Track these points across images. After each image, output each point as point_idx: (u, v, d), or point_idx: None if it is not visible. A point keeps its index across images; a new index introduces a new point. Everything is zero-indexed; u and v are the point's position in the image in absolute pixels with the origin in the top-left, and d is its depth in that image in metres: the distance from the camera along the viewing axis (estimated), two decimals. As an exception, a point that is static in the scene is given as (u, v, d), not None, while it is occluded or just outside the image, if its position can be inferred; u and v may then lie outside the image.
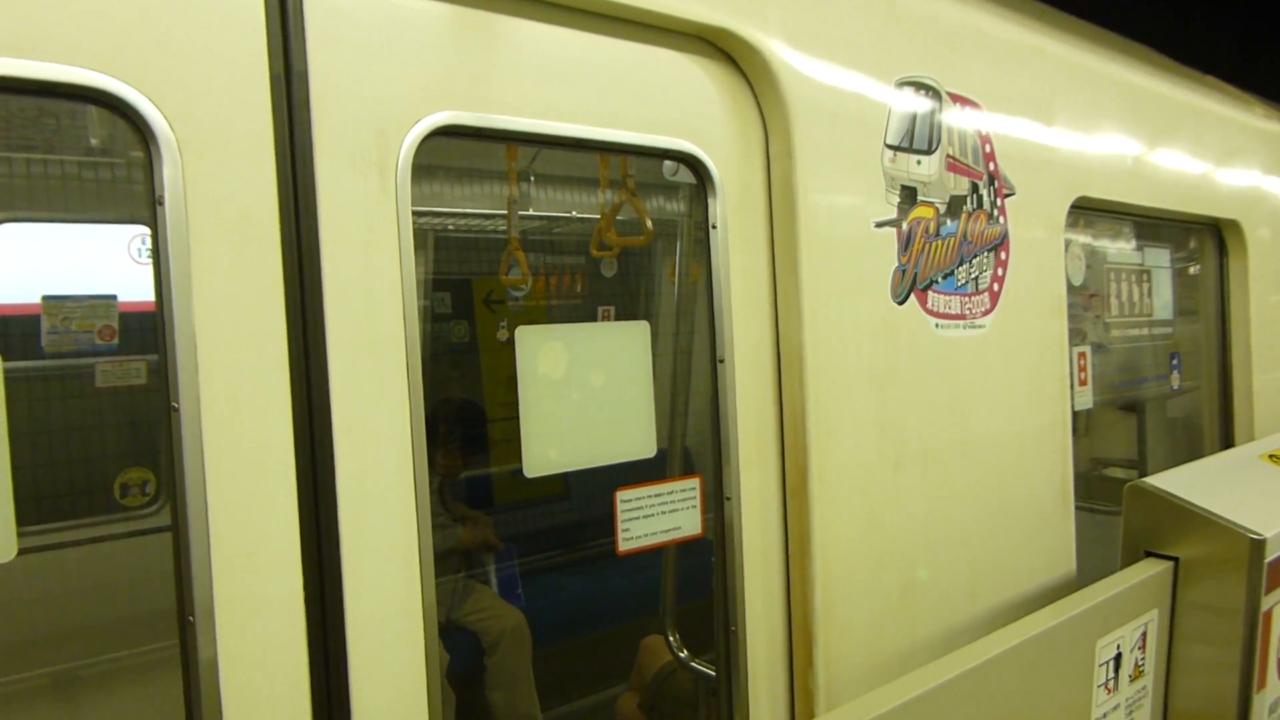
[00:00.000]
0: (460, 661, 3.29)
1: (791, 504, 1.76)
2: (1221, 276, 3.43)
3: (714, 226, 1.69)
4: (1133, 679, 2.09)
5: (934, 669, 1.63)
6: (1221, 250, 3.43)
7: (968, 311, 2.12)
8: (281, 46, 1.19)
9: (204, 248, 1.12)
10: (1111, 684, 2.03)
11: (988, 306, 2.18)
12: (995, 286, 2.20)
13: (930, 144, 2.03)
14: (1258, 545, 2.05)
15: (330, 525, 1.21)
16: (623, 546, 1.58)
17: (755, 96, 1.76)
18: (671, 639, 2.51)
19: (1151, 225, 3.23)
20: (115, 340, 4.03)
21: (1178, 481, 2.27)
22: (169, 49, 1.11)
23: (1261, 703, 2.22)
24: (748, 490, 1.71)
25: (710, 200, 1.69)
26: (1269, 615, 2.17)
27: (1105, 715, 2.01)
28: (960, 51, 2.13)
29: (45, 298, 3.85)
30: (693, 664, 2.46)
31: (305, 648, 1.18)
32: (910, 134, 1.99)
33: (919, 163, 2.00)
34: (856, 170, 1.86)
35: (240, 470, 1.14)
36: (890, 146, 1.94)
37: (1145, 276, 3.24)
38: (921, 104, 2.01)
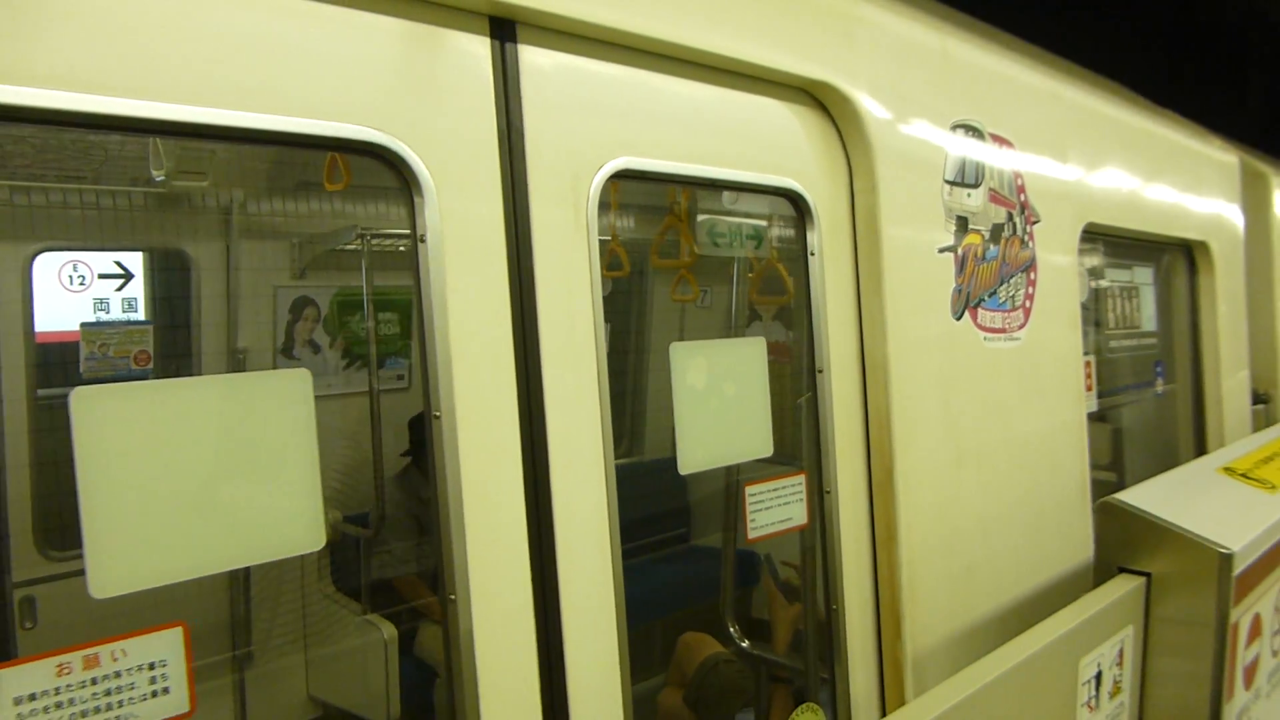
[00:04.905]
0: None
1: (877, 496, 2.00)
2: (1193, 291, 3.80)
3: (812, 253, 1.93)
4: (1112, 695, 2.11)
5: (929, 699, 1.63)
6: (1192, 268, 3.81)
7: (1008, 326, 2.40)
8: (504, 106, 1.39)
9: (455, 276, 1.31)
10: (1093, 702, 2.05)
11: (1022, 321, 2.46)
12: (1027, 303, 2.49)
13: (977, 179, 2.31)
14: (1226, 559, 2.08)
15: (548, 518, 1.40)
16: (751, 535, 1.80)
17: (841, 139, 2.01)
18: (732, 629, 2.73)
19: (1123, 245, 3.58)
20: (150, 365, 4.10)
21: (1146, 497, 2.29)
22: (426, 109, 1.30)
23: (1231, 711, 2.25)
24: (842, 484, 1.95)
25: (809, 231, 1.93)
26: (1236, 626, 2.22)
27: None
28: (997, 96, 2.42)
29: (83, 324, 3.91)
30: (754, 651, 2.68)
31: (533, 619, 1.38)
32: (962, 170, 2.26)
33: (969, 195, 2.28)
34: (923, 203, 2.12)
35: (485, 469, 1.33)
36: (948, 182, 2.20)
37: (1133, 292, 3.59)
38: (970, 144, 2.29)
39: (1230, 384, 3.83)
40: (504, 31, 1.40)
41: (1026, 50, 2.70)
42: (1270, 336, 4.37)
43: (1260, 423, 4.16)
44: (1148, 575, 2.19)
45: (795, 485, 1.90)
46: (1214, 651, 2.12)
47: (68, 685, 1.00)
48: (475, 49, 1.37)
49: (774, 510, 1.85)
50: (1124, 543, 2.23)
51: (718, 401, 1.75)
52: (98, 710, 1.01)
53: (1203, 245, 3.72)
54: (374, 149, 1.25)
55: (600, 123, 1.53)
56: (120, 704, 1.03)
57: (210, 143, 2.32)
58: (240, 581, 4.19)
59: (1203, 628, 2.12)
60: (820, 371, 1.93)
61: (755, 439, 1.83)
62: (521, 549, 1.37)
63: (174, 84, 1.07)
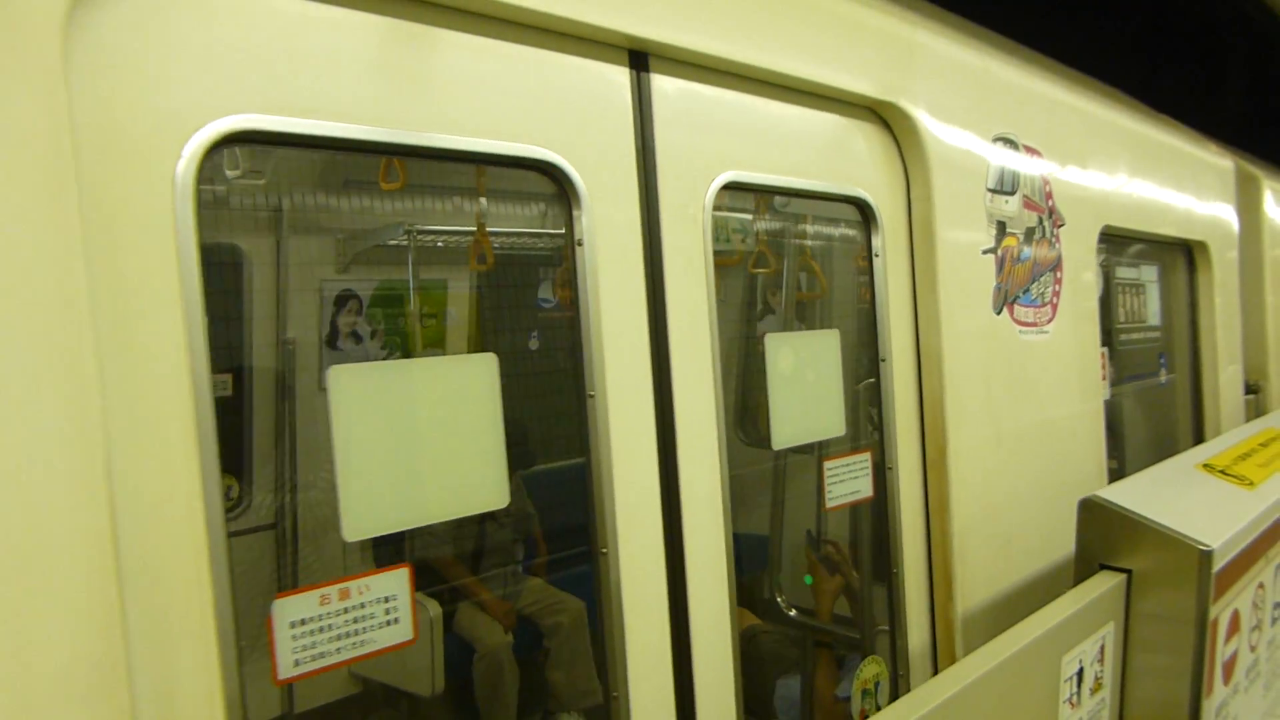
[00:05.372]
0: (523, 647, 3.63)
1: (931, 472, 2.24)
2: (1192, 289, 4.07)
3: (876, 255, 2.16)
4: (1093, 692, 2.12)
5: (915, 698, 1.64)
6: (1191, 267, 4.07)
7: (1038, 320, 2.64)
8: (640, 125, 1.60)
9: (605, 276, 1.53)
10: (1075, 699, 2.05)
11: (1050, 316, 2.70)
12: (1054, 300, 2.73)
13: (1014, 186, 2.54)
14: (1206, 556, 2.10)
15: (674, 483, 1.62)
16: (829, 505, 2.03)
17: (900, 152, 2.23)
18: (779, 599, 2.96)
19: (1126, 245, 3.83)
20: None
21: (1126, 494, 2.30)
22: (582, 130, 1.51)
23: (1210, 707, 2.26)
24: (902, 461, 2.18)
25: (874, 235, 2.15)
26: (1216, 623, 2.22)
27: None
28: (1028, 110, 2.65)
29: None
30: (799, 618, 2.91)
31: (664, 572, 1.60)
32: (1001, 179, 2.49)
33: (1007, 202, 2.51)
34: (970, 209, 2.35)
35: (627, 441, 1.55)
36: (989, 190, 2.44)
37: (1140, 289, 3.85)
38: (1008, 155, 2.52)
39: (1225, 375, 4.11)
40: (639, 62, 1.61)
41: (1051, 66, 2.94)
42: (1260, 331, 4.65)
43: (1251, 413, 4.44)
44: (1129, 572, 2.19)
45: (863, 461, 2.13)
46: (1194, 647, 2.12)
47: (327, 613, 1.21)
48: (618, 78, 1.58)
49: (846, 483, 2.08)
50: (1105, 540, 2.22)
51: (801, 385, 1.98)
52: (348, 635, 1.23)
53: (1202, 245, 3.99)
54: (544, 166, 1.46)
55: (712, 139, 1.75)
56: (364, 630, 1.24)
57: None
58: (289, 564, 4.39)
59: (1183, 624, 2.13)
60: (883, 360, 2.16)
61: (832, 419, 2.05)
62: (655, 509, 1.59)
63: (413, 117, 1.28)
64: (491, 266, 4.09)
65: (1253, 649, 2.67)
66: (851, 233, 3.39)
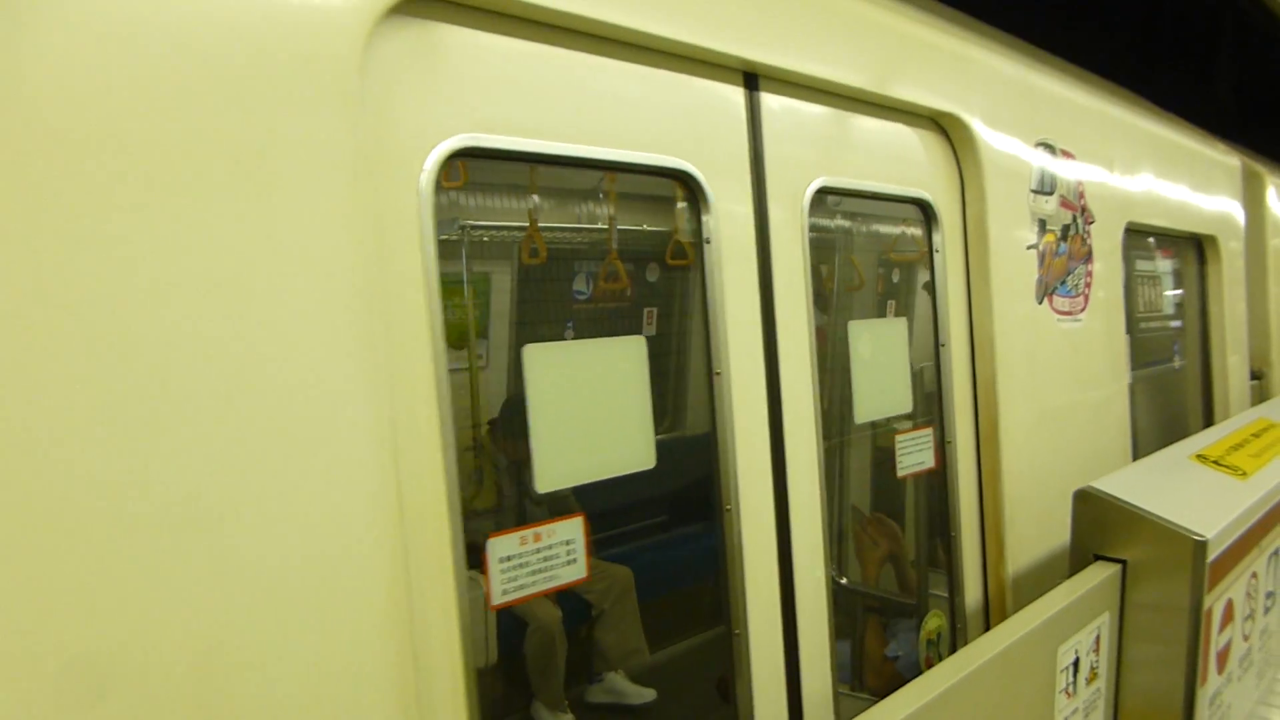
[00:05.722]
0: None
1: (984, 446, 2.48)
2: (1202, 280, 4.33)
3: (937, 251, 2.40)
4: (1089, 681, 2.12)
5: (915, 689, 1.64)
6: (1201, 259, 4.33)
7: (1074, 309, 2.89)
8: (752, 137, 1.84)
9: (728, 268, 1.76)
10: (1071, 689, 2.05)
11: (1083, 305, 2.95)
12: (1086, 290, 2.97)
13: (1053, 187, 2.78)
14: (1200, 546, 2.10)
15: (780, 449, 1.86)
16: (900, 473, 2.28)
17: (956, 158, 2.47)
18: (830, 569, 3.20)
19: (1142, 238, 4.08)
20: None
21: (1120, 485, 2.31)
22: (708, 142, 1.75)
23: (1204, 696, 2.26)
24: (960, 436, 2.42)
25: (935, 233, 2.39)
26: (1210, 612, 2.23)
27: (1066, 719, 2.06)
28: (1064, 116, 2.90)
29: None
30: (852, 586, 3.16)
31: (774, 527, 1.84)
32: (1042, 180, 2.73)
33: (1046, 201, 2.75)
34: (1016, 209, 2.59)
35: (746, 412, 1.78)
36: (1032, 190, 2.68)
37: (1157, 280, 4.10)
38: (1047, 158, 2.76)
39: (1233, 362, 4.37)
40: (751, 83, 1.85)
41: (1080, 74, 3.18)
42: (1264, 320, 4.91)
43: (1256, 398, 4.71)
44: (1123, 562, 2.20)
45: (927, 435, 2.37)
46: (1188, 637, 2.13)
47: (524, 551, 1.45)
48: (735, 96, 1.81)
49: (914, 455, 2.32)
50: (1100, 530, 2.23)
51: (873, 370, 2.22)
52: (539, 571, 1.46)
53: (1212, 239, 4.25)
54: (680, 174, 1.69)
55: (808, 149, 1.98)
56: (550, 567, 1.48)
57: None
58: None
59: (1177, 614, 2.13)
60: (943, 345, 2.40)
61: (901, 397, 2.30)
62: (767, 472, 1.83)
63: (581, 132, 1.51)
64: (542, 260, 4.31)
65: (1246, 638, 2.67)
66: (881, 229, 3.64)
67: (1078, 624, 2.04)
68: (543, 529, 1.47)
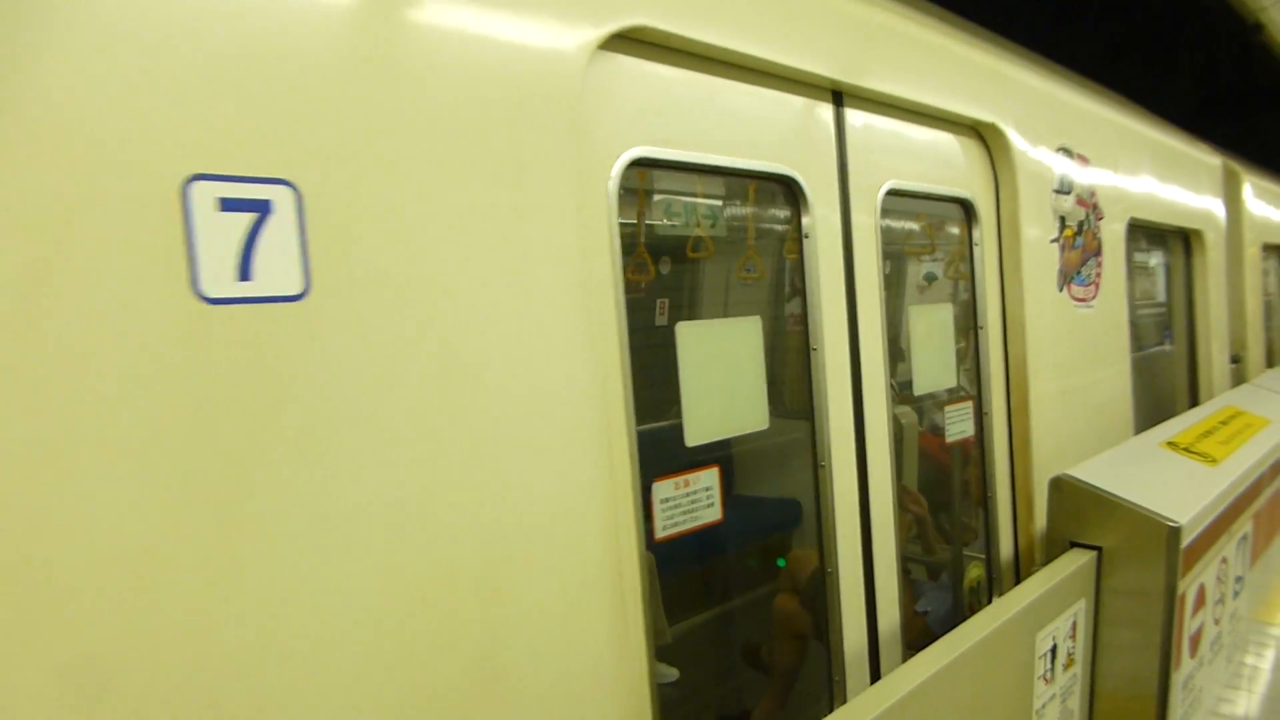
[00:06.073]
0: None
1: (1015, 418, 2.81)
2: (1189, 271, 4.71)
3: (976, 245, 2.72)
4: (1065, 667, 2.15)
5: (897, 678, 1.66)
6: (1188, 252, 4.71)
7: (1086, 297, 3.23)
8: (839, 147, 2.14)
9: (822, 260, 2.06)
10: (1049, 675, 2.08)
11: (1094, 294, 3.29)
12: (1097, 280, 3.31)
13: (1069, 188, 3.12)
14: (1174, 532, 2.14)
15: (860, 416, 2.17)
16: (948, 440, 2.60)
17: (991, 161, 2.79)
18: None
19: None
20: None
21: (1095, 473, 2.34)
22: (806, 151, 2.04)
23: (1178, 680, 2.30)
24: (995, 408, 2.75)
25: (974, 229, 2.71)
26: (1183, 598, 2.27)
27: (1044, 705, 2.08)
28: (1079, 123, 3.23)
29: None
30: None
31: (856, 481, 2.15)
32: (1062, 181, 3.06)
33: (1065, 200, 3.08)
34: (1041, 207, 2.92)
35: (833, 384, 2.09)
36: (1054, 191, 3.01)
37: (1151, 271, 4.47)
38: (1067, 162, 3.09)
39: (1215, 345, 4.76)
40: (838, 99, 2.14)
41: (1090, 86, 3.51)
42: (1241, 307, 5.32)
43: (1235, 380, 5.11)
44: (1099, 549, 2.23)
45: (968, 408, 2.69)
46: (1162, 622, 2.16)
47: (679, 495, 1.74)
48: (826, 112, 2.11)
49: (958, 424, 2.64)
50: (1075, 517, 2.26)
51: (926, 350, 2.54)
52: (686, 511, 1.76)
53: (1198, 233, 4.63)
54: (785, 179, 1.99)
55: (879, 156, 2.29)
56: (694, 508, 1.77)
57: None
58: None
59: (1152, 599, 2.17)
60: (981, 328, 2.72)
61: (947, 374, 2.62)
62: (851, 435, 2.14)
63: (715, 144, 1.81)
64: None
65: (1216, 622, 2.72)
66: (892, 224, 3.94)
67: (1055, 610, 2.05)
68: (690, 476, 1.76)
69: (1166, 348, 4.71)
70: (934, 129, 2.55)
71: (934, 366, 2.57)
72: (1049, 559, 2.21)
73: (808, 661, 2.99)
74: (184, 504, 0.96)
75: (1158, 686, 2.18)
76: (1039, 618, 2.00)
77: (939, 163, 2.57)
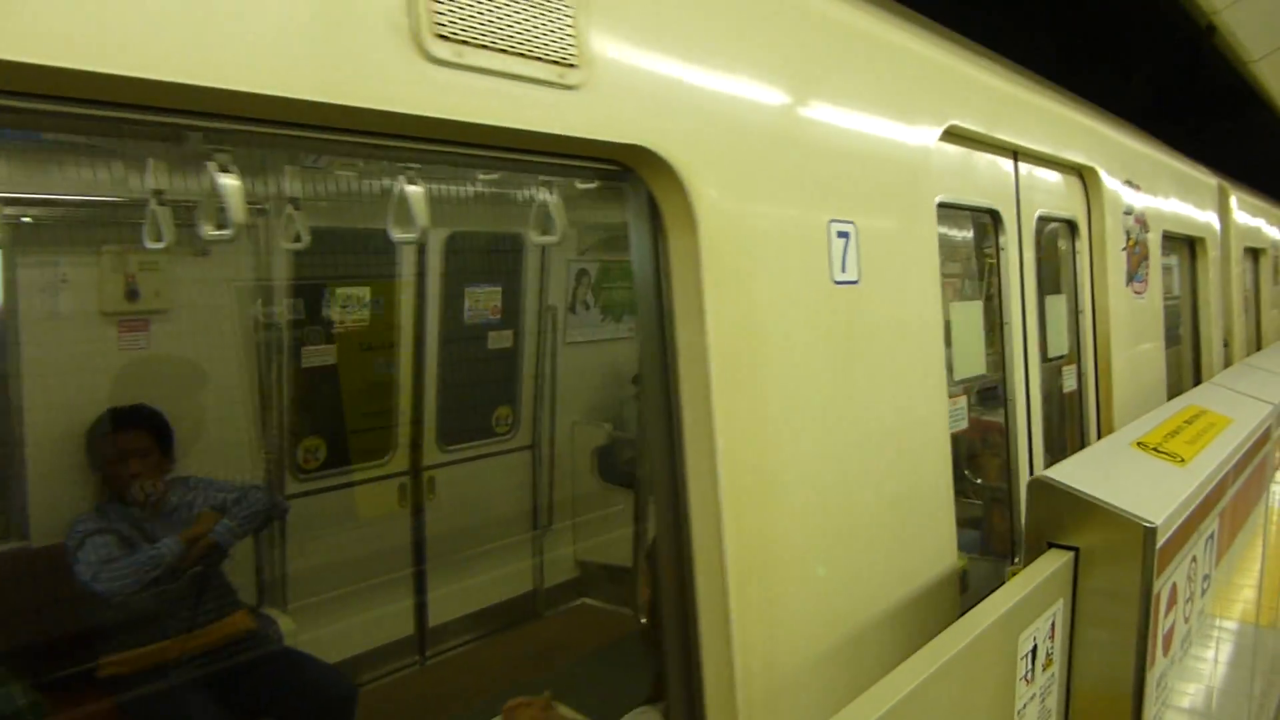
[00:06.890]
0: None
1: (1101, 379, 3.88)
2: (1193, 271, 5.87)
3: (1077, 253, 3.78)
4: (1045, 668, 2.15)
5: (884, 687, 1.65)
6: (1193, 255, 5.87)
7: (1140, 290, 4.32)
8: (1016, 186, 3.17)
9: (1009, 266, 3.09)
10: (1030, 675, 2.09)
11: (1145, 288, 4.38)
12: (1146, 278, 4.41)
13: (1131, 210, 4.20)
14: (1150, 533, 2.15)
15: (1027, 378, 3.21)
16: (1065, 390, 3.66)
17: (1085, 193, 3.85)
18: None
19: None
20: (499, 316, 5.72)
21: (1070, 474, 2.37)
22: (1004, 193, 3.07)
23: (1153, 677, 2.30)
24: (1088, 370, 3.81)
25: (1076, 242, 3.77)
26: (1158, 597, 2.26)
27: (1025, 706, 2.09)
28: (1136, 159, 4.32)
29: (466, 288, 5.50)
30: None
31: (1025, 425, 3.19)
32: (1128, 205, 4.14)
33: (1129, 219, 4.17)
34: (1117, 224, 4.00)
35: (1015, 347, 3.12)
36: (1124, 212, 4.09)
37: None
38: (1129, 190, 4.18)
39: (1214, 332, 5.94)
40: (1015, 156, 3.18)
41: (1137, 130, 4.62)
42: (1230, 300, 6.51)
43: (1226, 359, 6.30)
44: (1076, 550, 2.25)
45: (1074, 369, 3.75)
46: (1139, 621, 2.17)
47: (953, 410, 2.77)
48: (1009, 166, 3.14)
49: (1069, 380, 3.70)
50: (1053, 518, 2.28)
51: (1055, 325, 3.59)
52: (955, 420, 2.78)
53: (1201, 240, 5.79)
54: (990, 212, 3.01)
55: (1033, 192, 3.32)
56: (955, 420, 2.80)
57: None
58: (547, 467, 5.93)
59: (1128, 599, 2.17)
60: (1081, 312, 3.79)
61: (1064, 343, 3.67)
62: (1023, 379, 3.18)
63: (968, 190, 2.84)
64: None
65: (1186, 620, 2.75)
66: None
67: (1035, 611, 2.10)
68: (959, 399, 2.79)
69: (1179, 332, 5.87)
70: (1059, 172, 3.60)
71: (1058, 337, 3.62)
72: (1028, 560, 2.29)
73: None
74: (842, 403, 1.97)
75: (1133, 684, 2.19)
76: (1022, 619, 2.05)
77: (1056, 194, 3.62)
